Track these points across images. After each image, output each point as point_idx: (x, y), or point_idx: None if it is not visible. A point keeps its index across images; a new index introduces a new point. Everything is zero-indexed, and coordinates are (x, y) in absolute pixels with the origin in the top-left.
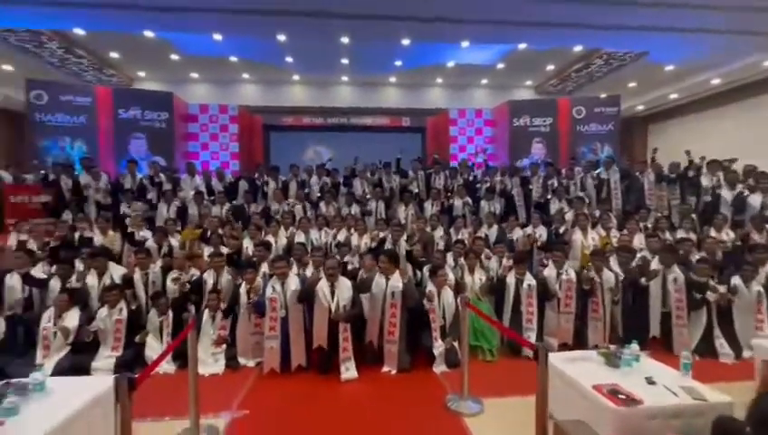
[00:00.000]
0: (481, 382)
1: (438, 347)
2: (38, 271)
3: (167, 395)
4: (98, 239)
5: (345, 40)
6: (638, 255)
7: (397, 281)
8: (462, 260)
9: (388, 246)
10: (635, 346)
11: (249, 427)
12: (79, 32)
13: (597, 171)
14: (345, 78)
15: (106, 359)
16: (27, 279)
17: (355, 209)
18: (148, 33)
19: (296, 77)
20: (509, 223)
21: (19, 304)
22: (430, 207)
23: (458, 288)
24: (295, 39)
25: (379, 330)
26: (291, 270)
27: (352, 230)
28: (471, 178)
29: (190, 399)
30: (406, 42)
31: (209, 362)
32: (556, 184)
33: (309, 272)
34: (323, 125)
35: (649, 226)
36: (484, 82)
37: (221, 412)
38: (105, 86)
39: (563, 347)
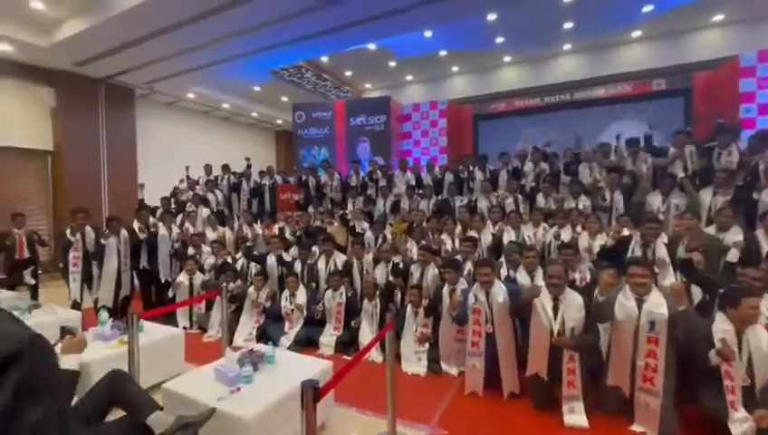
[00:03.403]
0: None
1: (741, 422)
2: (291, 254)
3: (372, 385)
4: (328, 230)
5: None
6: None
7: (658, 305)
8: None
9: (636, 251)
10: None
11: None
12: (324, 59)
13: None
14: (567, 47)
15: (330, 336)
16: (280, 260)
17: (584, 202)
18: (371, 46)
19: (507, 58)
20: None
21: (274, 280)
22: (709, 199)
23: None
24: (508, 13)
25: (630, 372)
26: (498, 275)
27: (579, 228)
28: None
29: (388, 404)
30: None
31: (412, 359)
32: None
33: (521, 276)
34: (539, 106)
35: None
36: None
37: (419, 424)
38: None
39: None
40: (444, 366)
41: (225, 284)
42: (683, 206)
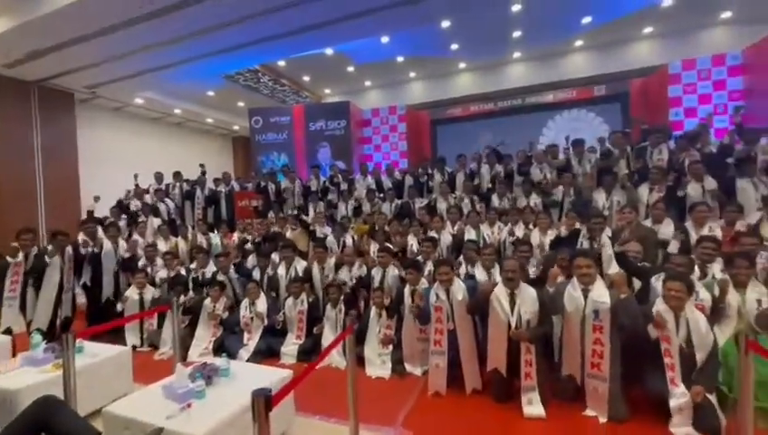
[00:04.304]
0: None
1: (679, 397)
2: (251, 262)
3: (336, 392)
4: (289, 235)
5: (517, 7)
6: None
7: (601, 295)
8: (717, 268)
9: (584, 244)
10: None
11: None
12: (281, 63)
13: None
14: (518, 54)
15: (292, 345)
16: (239, 269)
17: (535, 200)
18: (329, 51)
19: (462, 65)
20: None
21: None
22: (646, 194)
23: (716, 312)
24: (460, 21)
25: (581, 360)
26: (458, 273)
27: (531, 225)
28: (715, 149)
29: (350, 409)
30: None
31: (377, 362)
32: None
33: (478, 272)
34: (493, 111)
35: None
36: (726, 16)
37: (384, 427)
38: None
39: None
40: (408, 367)
41: (175, 298)
42: (624, 201)
